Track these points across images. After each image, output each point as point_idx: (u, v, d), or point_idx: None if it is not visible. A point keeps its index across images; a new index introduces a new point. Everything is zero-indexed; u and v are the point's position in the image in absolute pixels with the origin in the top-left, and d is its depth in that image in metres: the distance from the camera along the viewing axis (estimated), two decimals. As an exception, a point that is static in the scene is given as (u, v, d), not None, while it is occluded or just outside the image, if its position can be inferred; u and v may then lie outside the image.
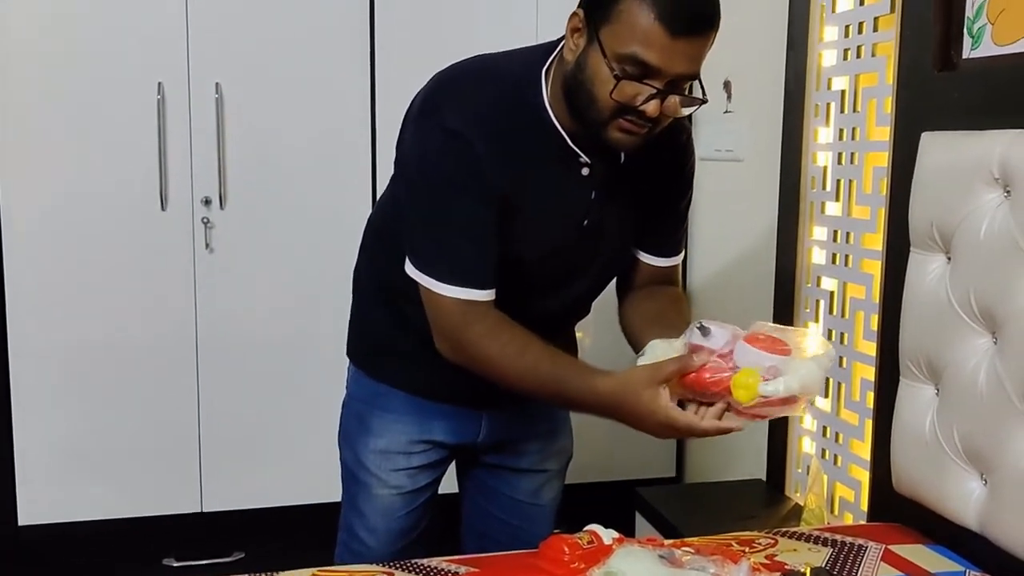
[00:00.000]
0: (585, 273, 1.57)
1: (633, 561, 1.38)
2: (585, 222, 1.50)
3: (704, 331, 1.30)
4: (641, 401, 1.31)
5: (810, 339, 1.32)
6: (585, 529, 1.49)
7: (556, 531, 1.67)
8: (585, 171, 1.47)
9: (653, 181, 1.55)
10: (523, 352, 1.41)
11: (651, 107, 1.32)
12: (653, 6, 1.26)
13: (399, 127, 1.52)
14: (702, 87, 1.39)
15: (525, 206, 1.45)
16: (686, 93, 1.36)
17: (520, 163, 1.42)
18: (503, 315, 1.43)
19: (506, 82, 1.44)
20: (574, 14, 1.37)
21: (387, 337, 1.65)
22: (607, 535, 1.47)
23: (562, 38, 1.41)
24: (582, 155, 1.45)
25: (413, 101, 1.48)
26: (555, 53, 1.44)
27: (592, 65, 1.33)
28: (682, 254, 1.67)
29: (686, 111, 1.39)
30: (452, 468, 1.79)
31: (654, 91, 1.31)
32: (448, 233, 1.42)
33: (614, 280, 1.66)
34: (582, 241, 1.52)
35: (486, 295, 1.43)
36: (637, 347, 1.50)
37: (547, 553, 1.47)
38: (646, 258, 1.62)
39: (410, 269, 1.46)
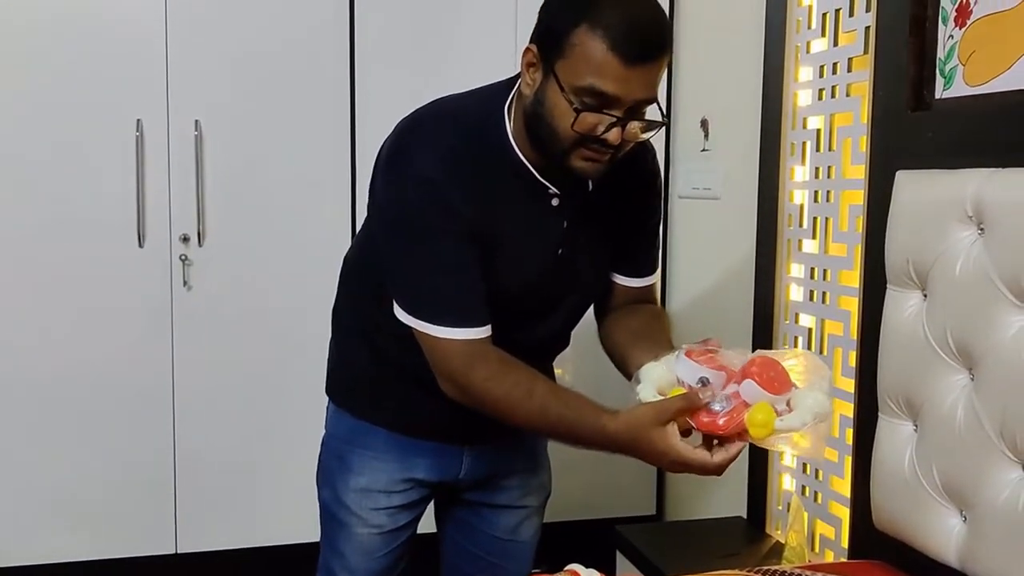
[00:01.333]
0: (564, 301, 1.57)
1: (614, 599, 1.38)
2: (560, 251, 1.51)
3: (703, 382, 1.31)
4: (651, 440, 1.30)
5: (806, 365, 1.34)
6: (566, 568, 1.47)
7: (536, 570, 1.66)
8: (555, 202, 1.48)
9: (623, 204, 1.56)
10: (531, 394, 1.40)
11: (613, 135, 1.33)
12: (605, 37, 1.27)
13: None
14: (660, 109, 1.40)
15: (501, 242, 1.45)
16: (645, 117, 1.37)
17: (491, 200, 1.43)
18: (505, 354, 1.43)
19: (470, 121, 1.45)
20: (527, 49, 1.38)
21: (367, 374, 1.64)
22: (588, 574, 1.46)
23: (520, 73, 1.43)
24: (551, 187, 1.46)
25: (381, 149, 1.49)
26: (515, 88, 1.45)
27: (550, 98, 1.34)
28: (657, 273, 1.68)
29: (647, 135, 1.40)
30: (430, 507, 1.77)
31: (614, 119, 1.32)
32: (434, 276, 1.42)
33: (591, 312, 1.66)
34: (559, 270, 1.52)
35: (483, 332, 1.43)
36: (624, 364, 1.50)
37: (527, 593, 1.45)
38: (623, 280, 1.63)
39: (402, 315, 1.45)
